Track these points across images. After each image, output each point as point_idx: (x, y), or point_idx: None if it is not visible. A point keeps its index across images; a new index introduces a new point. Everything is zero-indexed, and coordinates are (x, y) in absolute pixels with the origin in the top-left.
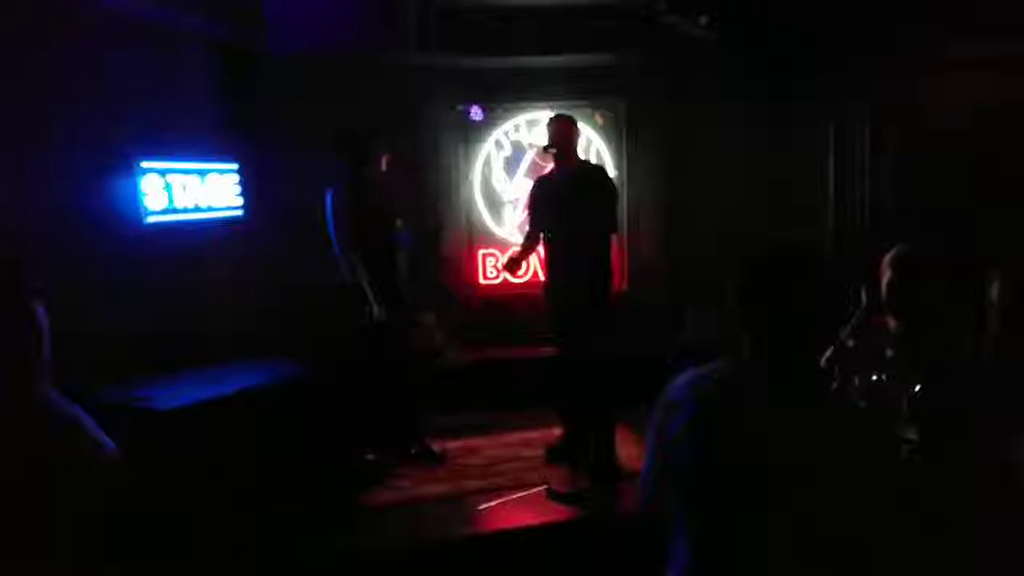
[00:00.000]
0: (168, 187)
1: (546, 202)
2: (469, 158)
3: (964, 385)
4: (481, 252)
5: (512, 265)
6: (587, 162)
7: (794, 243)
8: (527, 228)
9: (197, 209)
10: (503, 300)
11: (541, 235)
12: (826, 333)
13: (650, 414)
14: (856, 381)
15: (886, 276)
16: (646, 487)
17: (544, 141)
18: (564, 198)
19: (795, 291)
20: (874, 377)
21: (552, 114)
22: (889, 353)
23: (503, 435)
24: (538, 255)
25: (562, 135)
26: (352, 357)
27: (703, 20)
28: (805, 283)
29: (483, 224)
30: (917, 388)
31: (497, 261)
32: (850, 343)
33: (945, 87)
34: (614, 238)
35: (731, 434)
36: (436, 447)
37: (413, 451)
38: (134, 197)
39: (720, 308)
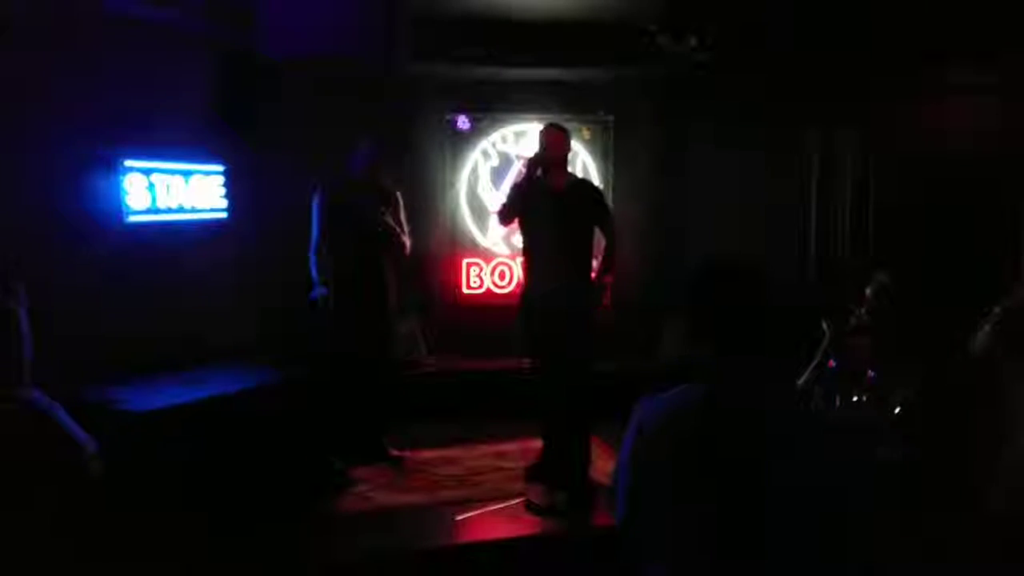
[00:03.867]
0: (151, 187)
1: (533, 211)
2: (456, 167)
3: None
4: (465, 261)
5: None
6: (576, 176)
7: (731, 261)
8: (501, 219)
9: (180, 210)
10: (485, 309)
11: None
12: (778, 351)
13: (624, 435)
14: (837, 401)
15: (872, 287)
16: (623, 509)
17: (531, 152)
18: (554, 210)
19: (739, 309)
20: (855, 398)
21: (542, 125)
22: (871, 374)
23: (481, 446)
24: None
25: (555, 145)
26: (326, 363)
27: (693, 42)
28: (746, 300)
29: (468, 233)
30: (897, 410)
31: (481, 271)
32: (831, 364)
33: (933, 115)
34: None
35: (709, 468)
36: (396, 452)
37: (378, 458)
38: (116, 196)
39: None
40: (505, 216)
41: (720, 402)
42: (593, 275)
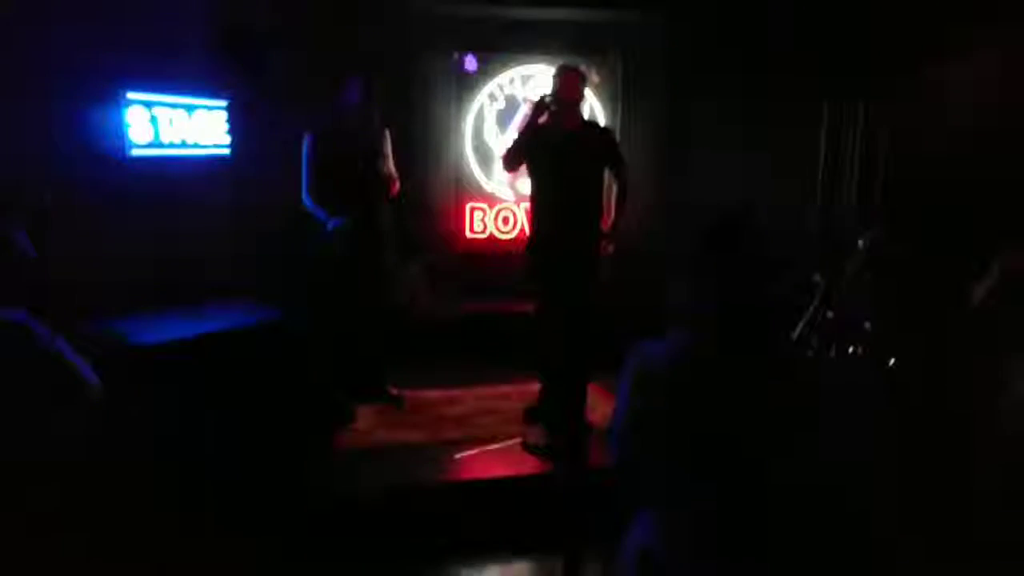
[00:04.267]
0: (154, 120)
1: (542, 154)
2: (461, 109)
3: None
4: (469, 205)
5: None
6: (592, 121)
7: (735, 212)
8: (506, 164)
9: (183, 144)
10: (488, 254)
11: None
12: (776, 303)
13: (622, 374)
14: (833, 351)
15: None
16: (620, 441)
17: (538, 95)
18: (565, 153)
19: (741, 259)
20: (850, 348)
21: (552, 66)
22: (867, 325)
23: (481, 388)
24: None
25: (569, 87)
26: (328, 303)
27: None
28: (749, 249)
29: (472, 177)
30: (892, 361)
31: (485, 216)
32: (829, 314)
33: (945, 87)
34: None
35: (709, 410)
36: (396, 391)
37: (378, 397)
38: (119, 129)
39: (671, 280)
40: (510, 161)
41: (719, 348)
42: (603, 221)
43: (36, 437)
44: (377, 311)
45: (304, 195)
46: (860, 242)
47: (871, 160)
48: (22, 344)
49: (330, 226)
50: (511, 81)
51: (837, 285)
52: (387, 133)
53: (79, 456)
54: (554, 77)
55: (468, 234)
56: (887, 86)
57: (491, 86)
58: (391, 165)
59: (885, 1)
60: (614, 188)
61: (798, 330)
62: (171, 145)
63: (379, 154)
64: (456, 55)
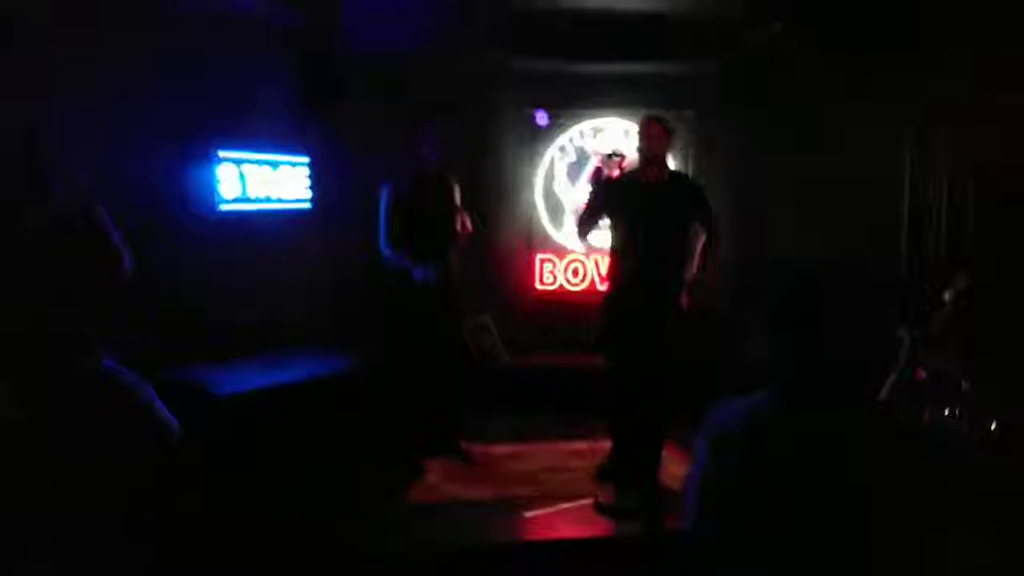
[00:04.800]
0: (242, 177)
1: (625, 207)
2: (532, 162)
3: None
4: (539, 257)
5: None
6: (679, 172)
7: (838, 262)
8: (581, 226)
9: (268, 200)
10: (558, 306)
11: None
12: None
13: (698, 440)
14: (927, 414)
15: (949, 298)
16: (693, 516)
17: (608, 148)
18: (649, 206)
19: (840, 316)
20: (946, 411)
21: (631, 116)
22: (965, 386)
23: (552, 443)
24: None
25: (654, 139)
26: (405, 355)
27: (776, 26)
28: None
29: (542, 229)
30: (994, 426)
31: (555, 267)
32: (922, 374)
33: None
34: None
35: (786, 477)
36: (466, 445)
37: (450, 451)
38: (210, 185)
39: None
40: (584, 226)
41: (798, 406)
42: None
43: (117, 480)
44: (454, 361)
45: (382, 244)
46: (947, 294)
47: (958, 209)
48: (111, 391)
49: (417, 275)
50: (581, 134)
51: (925, 340)
52: (454, 184)
53: (157, 503)
54: (640, 127)
55: (538, 286)
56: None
57: (562, 139)
58: (464, 215)
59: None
60: (700, 238)
61: (884, 392)
62: (257, 200)
63: (454, 204)
64: (528, 110)
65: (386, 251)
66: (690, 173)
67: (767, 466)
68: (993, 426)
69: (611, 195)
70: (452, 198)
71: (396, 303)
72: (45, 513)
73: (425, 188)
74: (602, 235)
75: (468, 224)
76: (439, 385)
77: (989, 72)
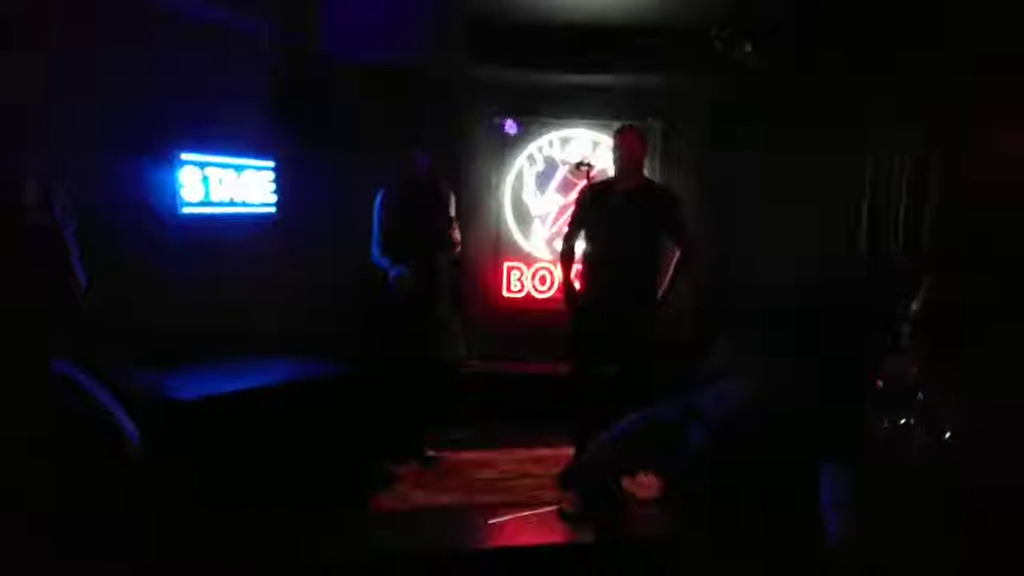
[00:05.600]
0: (205, 180)
1: (603, 215)
2: (501, 171)
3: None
4: (506, 264)
5: (571, 299)
6: (653, 182)
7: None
8: (566, 242)
9: (232, 203)
10: (525, 313)
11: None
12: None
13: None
14: (884, 422)
15: (912, 309)
16: (623, 438)
17: (576, 158)
18: (622, 214)
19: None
20: (903, 420)
21: (595, 127)
22: (920, 396)
23: (516, 450)
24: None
25: (629, 148)
26: (374, 359)
27: (748, 46)
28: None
29: (510, 237)
30: (948, 435)
31: (522, 275)
32: (879, 384)
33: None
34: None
35: None
36: (431, 452)
37: (414, 456)
38: (172, 188)
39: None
40: (572, 235)
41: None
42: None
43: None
44: (428, 365)
45: (374, 249)
46: (912, 304)
47: (919, 210)
48: (65, 395)
49: (392, 274)
50: (550, 143)
51: (883, 349)
52: (451, 195)
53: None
54: (615, 136)
55: (505, 293)
56: (934, 137)
57: (531, 148)
58: (453, 223)
59: (934, 55)
60: (674, 254)
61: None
62: (220, 204)
63: (444, 208)
64: (497, 119)
65: (375, 253)
66: (657, 179)
67: None
68: (948, 435)
69: (587, 206)
70: (445, 206)
71: (376, 308)
72: None
73: (415, 194)
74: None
75: (457, 236)
76: (412, 392)
77: (957, 94)
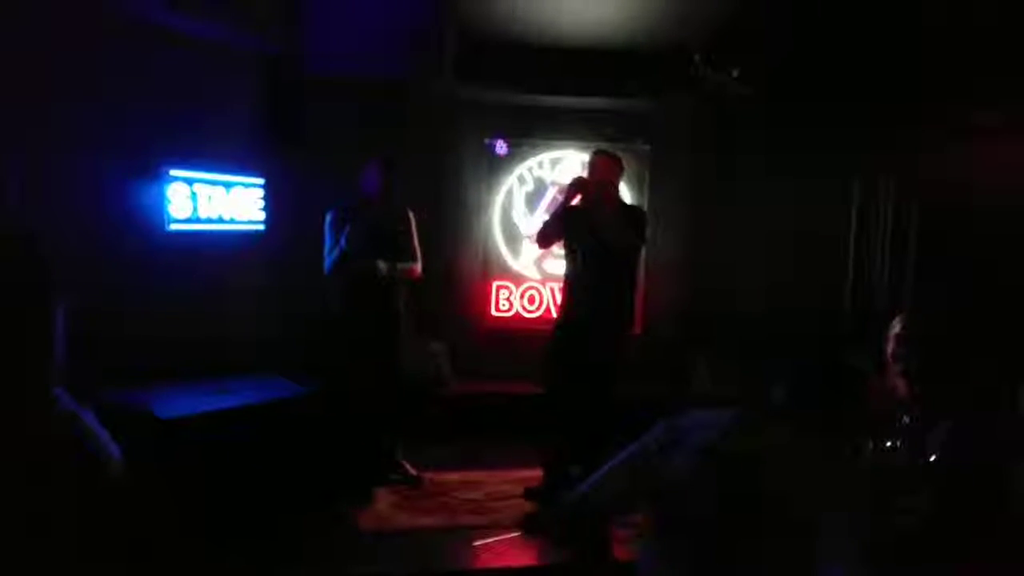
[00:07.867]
0: (194, 196)
1: (576, 236)
2: (491, 191)
3: (990, 438)
4: (495, 284)
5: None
6: (628, 205)
7: (842, 363)
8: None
9: (220, 220)
10: (514, 333)
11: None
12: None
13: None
14: (869, 446)
15: (895, 330)
16: (603, 480)
17: (569, 178)
18: (596, 236)
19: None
20: (887, 444)
21: (584, 152)
22: (905, 420)
23: (502, 471)
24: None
25: (603, 171)
26: (345, 381)
27: (735, 72)
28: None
29: (499, 256)
30: (932, 457)
31: (511, 295)
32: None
33: (981, 148)
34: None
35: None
36: (415, 471)
37: (393, 477)
38: (159, 204)
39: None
40: (546, 235)
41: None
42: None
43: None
44: (393, 389)
45: (327, 266)
46: (894, 327)
47: (903, 237)
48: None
49: (343, 239)
50: (540, 164)
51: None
52: (410, 214)
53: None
54: (590, 160)
55: (494, 312)
56: (915, 162)
57: (521, 168)
58: (415, 244)
59: (912, 83)
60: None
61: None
62: (208, 220)
63: (397, 236)
64: (488, 139)
65: (327, 263)
66: (645, 206)
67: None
68: (932, 458)
69: (568, 223)
70: (399, 228)
71: (339, 328)
72: None
73: (368, 213)
74: (558, 263)
75: (416, 264)
76: (380, 413)
77: (936, 120)
